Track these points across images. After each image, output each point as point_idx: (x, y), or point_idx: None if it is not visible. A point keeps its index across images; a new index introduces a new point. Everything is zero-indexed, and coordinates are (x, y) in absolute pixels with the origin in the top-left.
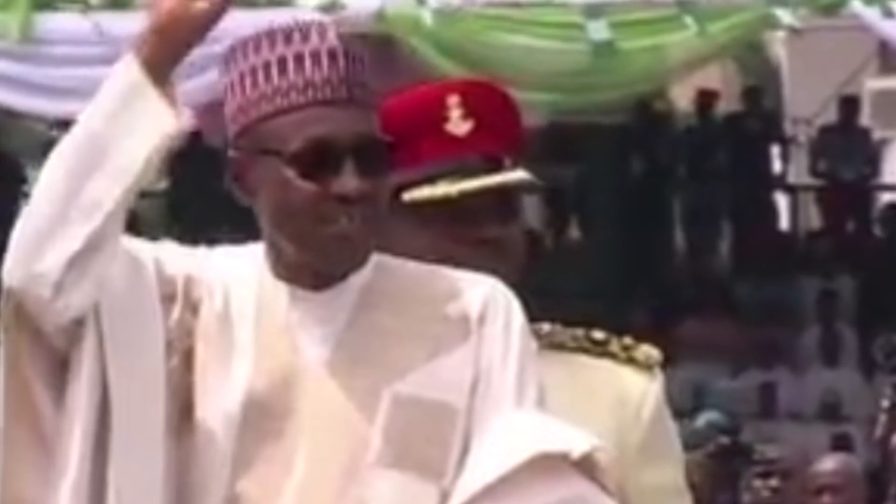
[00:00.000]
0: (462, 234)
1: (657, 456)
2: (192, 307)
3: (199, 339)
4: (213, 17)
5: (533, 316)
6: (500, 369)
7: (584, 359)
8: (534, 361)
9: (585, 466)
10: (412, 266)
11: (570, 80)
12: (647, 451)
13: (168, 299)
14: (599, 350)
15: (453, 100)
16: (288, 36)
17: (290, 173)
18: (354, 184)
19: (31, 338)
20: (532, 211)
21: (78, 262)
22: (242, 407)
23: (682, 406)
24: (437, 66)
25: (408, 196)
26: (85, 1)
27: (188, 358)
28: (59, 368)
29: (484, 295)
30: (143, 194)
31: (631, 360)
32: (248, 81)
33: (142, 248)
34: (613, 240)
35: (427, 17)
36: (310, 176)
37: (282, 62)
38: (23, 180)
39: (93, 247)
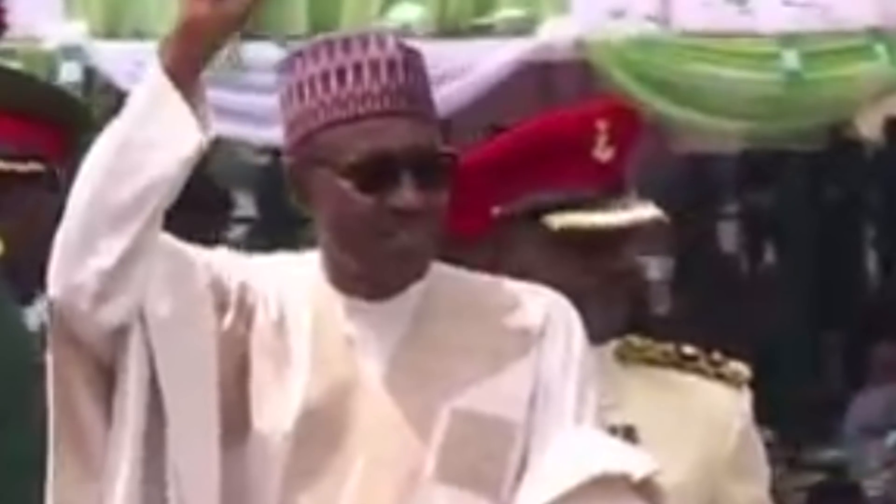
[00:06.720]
0: (594, 265)
1: (744, 472)
2: (246, 316)
3: (254, 348)
4: (239, 18)
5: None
6: (560, 384)
7: (673, 374)
8: (594, 377)
9: (645, 490)
10: (472, 276)
11: (765, 108)
12: (735, 466)
13: (220, 307)
14: (689, 366)
15: (602, 125)
16: (347, 45)
17: (347, 185)
18: (412, 197)
19: (76, 349)
20: (728, 237)
21: (115, 273)
22: (298, 418)
23: (876, 425)
24: (633, 94)
25: (550, 220)
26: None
27: (241, 367)
28: (106, 380)
29: (545, 308)
30: None
31: (720, 376)
32: (306, 90)
33: (195, 254)
34: (808, 264)
35: (624, 46)
36: (367, 189)
37: (340, 72)
38: (230, 205)
39: (130, 258)
